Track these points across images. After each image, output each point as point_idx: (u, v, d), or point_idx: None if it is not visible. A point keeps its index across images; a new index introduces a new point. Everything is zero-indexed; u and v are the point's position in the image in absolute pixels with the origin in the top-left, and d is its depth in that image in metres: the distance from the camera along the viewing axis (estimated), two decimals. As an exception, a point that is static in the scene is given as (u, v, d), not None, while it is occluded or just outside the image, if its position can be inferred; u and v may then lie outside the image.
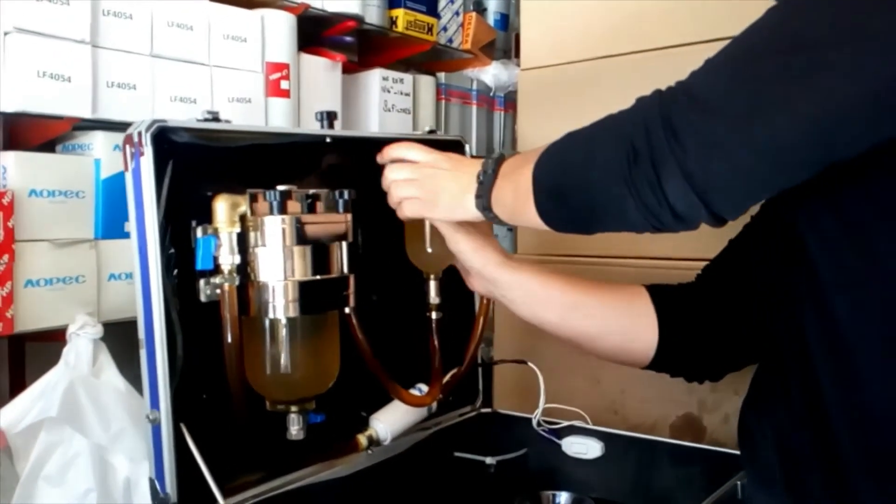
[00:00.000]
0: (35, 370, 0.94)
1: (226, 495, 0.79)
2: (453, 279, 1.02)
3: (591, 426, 1.10)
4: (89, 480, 0.87)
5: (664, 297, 0.90)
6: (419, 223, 0.96)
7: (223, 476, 0.80)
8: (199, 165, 0.81)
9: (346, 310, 0.85)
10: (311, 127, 1.00)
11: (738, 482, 0.90)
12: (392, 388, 0.93)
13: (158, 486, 0.78)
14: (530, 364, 1.11)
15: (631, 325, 0.89)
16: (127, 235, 0.82)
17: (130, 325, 0.81)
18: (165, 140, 0.77)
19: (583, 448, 1.07)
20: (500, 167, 0.80)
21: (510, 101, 1.69)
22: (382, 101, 1.37)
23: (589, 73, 1.32)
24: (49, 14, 0.89)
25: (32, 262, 0.89)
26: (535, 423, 1.09)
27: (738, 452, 0.99)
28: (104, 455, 0.87)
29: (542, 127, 1.40)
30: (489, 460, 1.10)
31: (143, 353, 0.79)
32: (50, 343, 0.91)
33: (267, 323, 0.81)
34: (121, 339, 0.94)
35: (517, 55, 1.57)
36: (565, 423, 1.09)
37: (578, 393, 1.23)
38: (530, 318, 0.93)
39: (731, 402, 1.16)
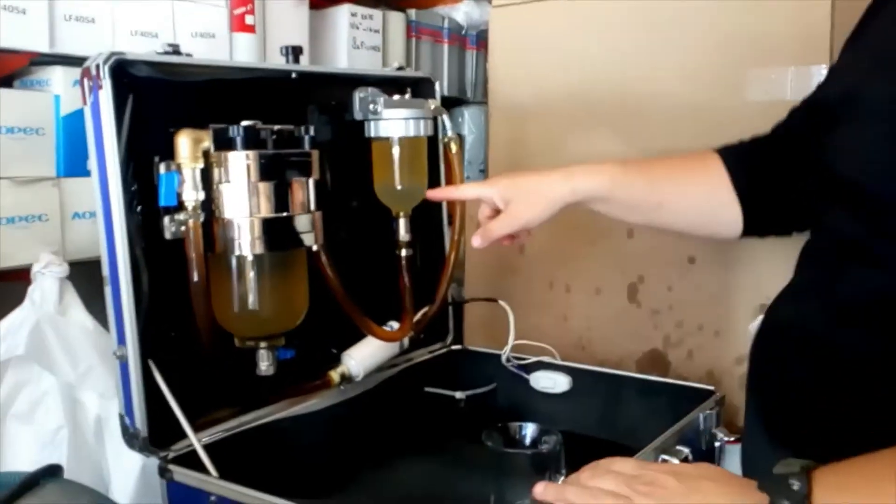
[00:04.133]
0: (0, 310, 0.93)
1: (196, 430, 0.80)
2: (423, 216, 1.02)
3: (558, 361, 1.11)
4: (59, 418, 0.87)
5: (740, 166, 0.83)
6: (387, 157, 0.95)
7: (193, 412, 0.80)
8: (160, 100, 0.79)
9: (315, 247, 0.85)
10: (277, 61, 0.98)
11: (701, 414, 0.92)
12: (364, 324, 0.93)
13: (128, 422, 0.79)
14: (500, 302, 1.12)
15: (714, 212, 0.84)
16: (89, 174, 0.80)
17: (96, 264, 0.80)
18: (124, 74, 0.75)
19: (550, 383, 1.08)
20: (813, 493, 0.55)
21: (482, 39, 1.66)
22: (351, 38, 1.34)
23: (561, 11, 1.30)
24: (3, -55, 0.86)
25: (-6, 200, 0.88)
26: (504, 359, 1.10)
27: (700, 386, 1.01)
28: (73, 393, 0.87)
29: (514, 66, 1.39)
30: (459, 395, 1.11)
31: (108, 290, 0.78)
32: (14, 282, 0.90)
33: (233, 260, 0.80)
34: (87, 278, 0.93)
35: (489, -8, 1.54)
36: (534, 359, 1.10)
37: (547, 330, 1.24)
38: (615, 218, 0.90)
39: (695, 338, 1.18)
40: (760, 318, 0.82)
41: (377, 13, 1.40)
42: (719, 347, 1.16)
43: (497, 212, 0.90)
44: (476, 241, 0.90)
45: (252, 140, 0.78)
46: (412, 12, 1.53)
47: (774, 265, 1.06)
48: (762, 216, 0.84)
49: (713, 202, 0.84)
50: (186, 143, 0.78)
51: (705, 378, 1.15)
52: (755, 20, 1.12)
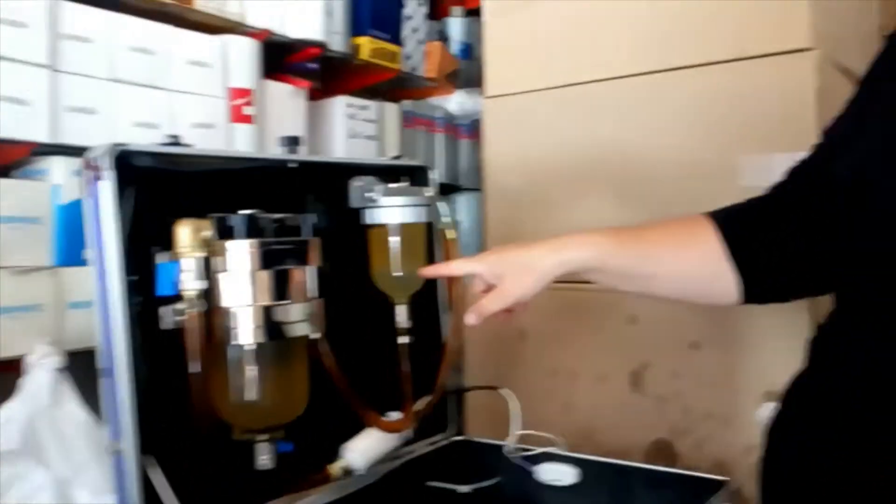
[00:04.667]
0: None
1: (192, 529, 0.78)
2: (422, 303, 1.02)
3: (564, 452, 1.09)
4: (50, 516, 0.85)
5: (736, 231, 0.83)
6: (384, 244, 0.96)
7: (189, 509, 0.79)
8: (160, 190, 0.80)
9: (315, 336, 0.85)
10: (275, 151, 1.00)
11: (713, 505, 0.91)
12: (367, 415, 0.92)
13: (122, 521, 0.77)
14: (502, 391, 1.11)
15: (710, 280, 0.84)
16: (87, 263, 0.81)
17: (92, 354, 0.80)
18: (126, 164, 0.77)
19: (557, 475, 1.06)
20: None
21: (474, 129, 1.71)
22: (348, 128, 1.38)
23: (553, 101, 1.34)
24: (6, 37, 0.88)
25: (-10, 291, 0.88)
26: (507, 450, 1.09)
27: (711, 477, 0.99)
28: (66, 489, 0.85)
29: (508, 153, 1.42)
30: (462, 489, 1.09)
31: (104, 382, 0.78)
32: (8, 373, 0.89)
33: (232, 350, 0.80)
34: (83, 369, 0.92)
35: (480, 84, 1.59)
36: (539, 450, 1.09)
37: (552, 418, 1.23)
38: (609, 287, 0.91)
39: (704, 427, 1.17)
40: (769, 405, 0.81)
41: (373, 104, 1.44)
42: (728, 436, 1.15)
43: (490, 288, 0.92)
44: (470, 318, 0.91)
45: (252, 229, 0.79)
46: (407, 103, 1.58)
47: (779, 348, 1.07)
48: (762, 283, 0.83)
49: (707, 271, 0.84)
50: (187, 232, 0.79)
51: (715, 469, 1.13)
52: (745, 104, 1.15)
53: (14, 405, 0.83)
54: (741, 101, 1.15)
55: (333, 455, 0.98)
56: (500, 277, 0.91)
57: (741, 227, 0.83)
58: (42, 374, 0.85)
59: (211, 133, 1.09)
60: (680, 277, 0.87)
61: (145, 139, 0.98)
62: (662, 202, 1.21)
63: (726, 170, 1.15)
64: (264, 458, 0.83)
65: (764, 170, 1.11)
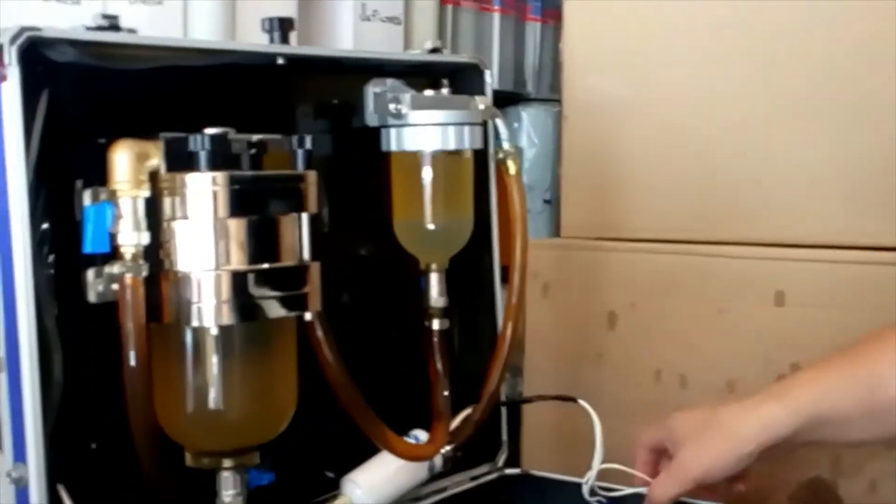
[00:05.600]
0: None
1: (126, 591, 0.80)
2: (464, 271, 1.03)
3: (670, 495, 1.11)
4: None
5: None
6: (413, 181, 0.96)
7: (122, 563, 0.81)
8: (88, 97, 0.81)
9: (308, 315, 0.86)
10: (254, 41, 1.00)
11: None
12: (377, 433, 0.93)
13: (25, 577, 0.79)
14: (581, 402, 1.12)
15: None
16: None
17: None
18: (39, 57, 0.77)
19: (657, 528, 1.07)
20: None
21: (551, 6, 1.69)
22: (359, 5, 1.37)
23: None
24: None
25: None
26: (586, 490, 1.10)
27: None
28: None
29: (599, 46, 1.41)
30: (518, 547, 1.11)
31: (2, 378, 0.79)
32: None
33: (189, 335, 0.81)
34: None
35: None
36: (630, 491, 1.10)
37: (642, 428, 1.24)
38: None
39: (882, 461, 1.17)
40: None
41: (397, -31, 1.43)
42: (917, 476, 1.15)
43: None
44: None
45: (221, 156, 0.80)
46: (447, -34, 1.57)
47: None
48: None
49: None
50: (125, 160, 0.79)
51: (897, 523, 1.15)
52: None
53: None
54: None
55: (329, 489, 0.99)
56: (679, 445, 1.01)
57: None
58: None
59: (159, 11, 1.09)
60: None
61: (66, 21, 0.98)
62: (839, 120, 1.25)
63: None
64: (230, 494, 0.84)
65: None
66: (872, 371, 0.97)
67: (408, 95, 0.98)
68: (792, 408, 0.97)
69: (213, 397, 0.82)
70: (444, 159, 0.99)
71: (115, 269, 0.79)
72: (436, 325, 1.02)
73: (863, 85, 1.22)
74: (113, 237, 0.79)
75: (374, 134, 0.99)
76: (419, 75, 1.06)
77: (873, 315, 1.14)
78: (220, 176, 0.79)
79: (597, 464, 1.09)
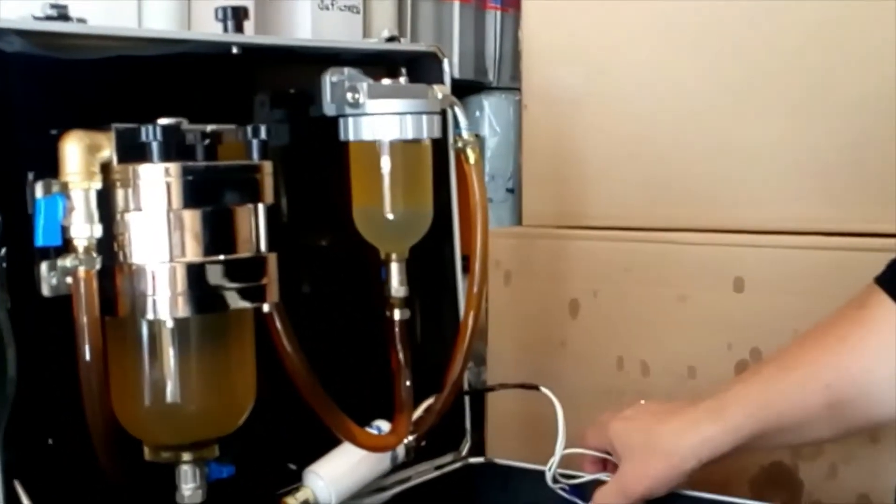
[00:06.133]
0: None
1: (84, 587, 0.80)
2: (425, 260, 1.03)
3: (633, 481, 1.11)
4: None
5: None
6: (372, 171, 0.96)
7: (80, 559, 0.80)
8: (39, 88, 0.80)
9: (266, 307, 0.85)
10: (209, 30, 0.99)
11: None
12: (338, 425, 0.93)
13: (-20, 575, 0.78)
14: (543, 389, 1.12)
15: None
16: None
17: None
18: (-14, 47, 0.76)
19: (621, 514, 1.08)
20: None
21: (510, -6, 1.69)
22: (317, -7, 1.37)
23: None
24: None
25: None
26: (549, 477, 1.10)
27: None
28: None
29: (559, 35, 1.41)
30: (482, 536, 1.11)
31: (-45, 374, 0.78)
32: None
33: (145, 328, 0.81)
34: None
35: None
36: (591, 477, 1.10)
37: (587, 428, 1.24)
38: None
39: (839, 444, 1.17)
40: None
41: (355, -43, 1.43)
42: (876, 459, 1.16)
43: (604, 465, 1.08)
44: None
45: (174, 147, 0.79)
46: (406, -46, 1.56)
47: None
48: None
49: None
50: (76, 152, 0.78)
51: (856, 505, 1.15)
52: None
53: None
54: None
55: (291, 481, 0.99)
56: (620, 457, 1.03)
57: None
58: None
59: (115, 5, 1.08)
60: (872, 391, 0.94)
61: (15, 10, 0.97)
62: (795, 106, 1.25)
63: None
64: (190, 487, 0.83)
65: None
66: (805, 374, 0.97)
67: (365, 84, 0.97)
68: (731, 426, 0.98)
69: (171, 390, 0.82)
70: (403, 148, 0.98)
71: (67, 262, 0.78)
72: (397, 314, 1.01)
73: (819, 71, 1.23)
74: (65, 230, 0.78)
75: (332, 123, 0.99)
76: (377, 64, 1.05)
77: (831, 301, 1.14)
78: (174, 167, 0.79)
79: (559, 451, 1.09)
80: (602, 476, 1.09)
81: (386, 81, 1.00)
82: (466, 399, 1.17)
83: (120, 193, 0.79)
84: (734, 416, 0.98)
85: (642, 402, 1.08)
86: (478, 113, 1.72)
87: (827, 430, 0.98)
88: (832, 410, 0.95)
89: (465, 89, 1.70)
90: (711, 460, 0.99)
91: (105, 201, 0.79)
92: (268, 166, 0.85)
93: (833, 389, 0.94)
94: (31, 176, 0.79)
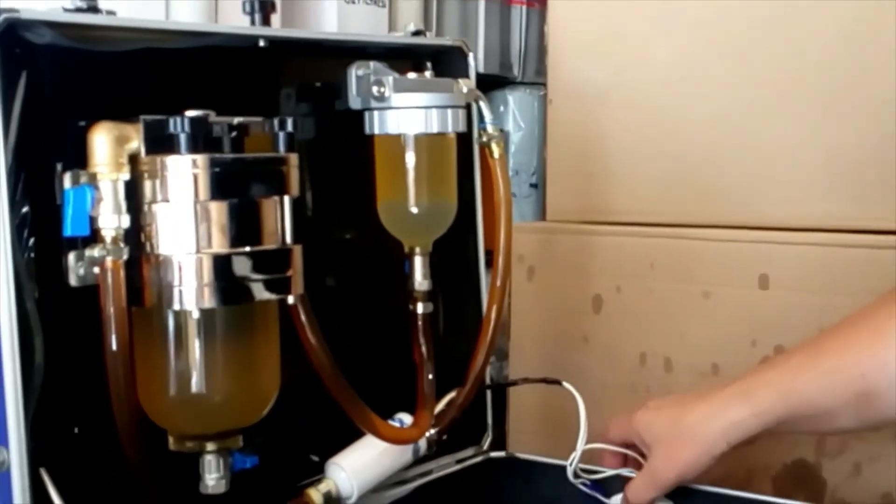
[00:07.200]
0: None
1: (108, 574, 0.80)
2: (449, 254, 1.03)
3: (654, 478, 1.11)
4: None
5: None
6: (397, 164, 0.97)
7: (105, 547, 0.81)
8: (68, 79, 0.81)
9: (291, 299, 0.86)
10: (236, 23, 1.00)
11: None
12: (361, 417, 0.93)
13: (7, 561, 0.79)
14: (566, 385, 1.12)
15: None
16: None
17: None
18: (17, 40, 0.76)
19: (643, 510, 1.08)
20: None
21: (535, -11, 1.69)
22: (343, -13, 1.37)
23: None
24: None
25: None
26: (570, 472, 1.10)
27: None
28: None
29: (584, 30, 1.41)
30: (503, 529, 1.11)
31: (-17, 362, 0.79)
32: None
33: (171, 318, 0.81)
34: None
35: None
36: (613, 472, 1.10)
37: (609, 420, 1.24)
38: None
39: (864, 443, 1.17)
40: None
41: (381, -50, 1.43)
42: (903, 457, 1.16)
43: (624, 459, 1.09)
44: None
45: (202, 138, 0.80)
46: (431, -52, 1.57)
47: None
48: None
49: None
50: (105, 143, 0.79)
51: (881, 504, 1.15)
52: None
53: None
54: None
55: (313, 473, 0.99)
56: (648, 447, 1.04)
57: None
58: None
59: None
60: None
61: (45, 3, 0.97)
62: (821, 106, 1.24)
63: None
64: (213, 477, 0.84)
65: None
66: (836, 364, 0.97)
67: (391, 78, 0.98)
68: (759, 409, 0.98)
69: (196, 380, 0.82)
70: (428, 142, 0.99)
71: (95, 252, 0.79)
72: (420, 308, 1.02)
73: (844, 72, 1.22)
74: (93, 220, 0.79)
75: (358, 117, 0.99)
76: (403, 58, 1.06)
77: (856, 298, 1.14)
78: (201, 158, 0.79)
79: (581, 446, 1.09)
80: (624, 471, 1.10)
81: (411, 75, 1.00)
82: (488, 393, 1.17)
83: (147, 184, 0.80)
84: (763, 399, 0.98)
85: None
86: (502, 108, 1.72)
87: (854, 420, 0.98)
88: (862, 400, 0.95)
89: (490, 84, 1.70)
90: (742, 442, 0.99)
91: (133, 192, 0.80)
92: (294, 159, 0.85)
93: (867, 379, 0.94)
94: (59, 167, 0.79)
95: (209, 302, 0.80)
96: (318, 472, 0.99)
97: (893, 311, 0.95)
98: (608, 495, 1.09)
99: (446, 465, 1.13)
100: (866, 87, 1.21)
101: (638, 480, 1.04)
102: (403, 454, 1.04)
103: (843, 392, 0.96)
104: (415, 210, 0.99)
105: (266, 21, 0.96)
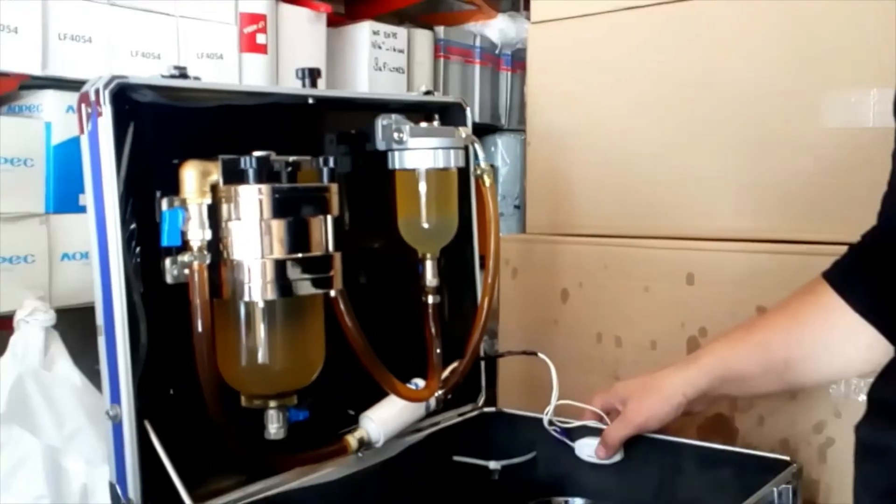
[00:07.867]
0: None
1: (197, 501, 0.80)
2: (452, 258, 1.03)
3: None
4: (41, 486, 0.87)
5: (856, 285, 0.91)
6: (413, 191, 0.97)
7: (193, 480, 0.81)
8: (164, 128, 0.81)
9: (332, 293, 0.86)
10: (291, 85, 1.00)
11: (775, 488, 0.91)
12: (386, 381, 0.93)
13: (120, 491, 0.79)
14: (541, 355, 1.12)
15: (847, 348, 0.94)
16: (82, 210, 0.82)
17: (85, 311, 0.82)
18: (126, 99, 0.77)
19: (600, 451, 1.07)
20: None
21: (518, 59, 1.69)
22: (373, 59, 1.37)
23: (608, 26, 1.33)
24: (-9, -43, 0.89)
25: (-25, 239, 0.89)
26: (545, 421, 1.10)
27: (773, 456, 1.00)
28: (57, 457, 0.88)
29: (555, 89, 1.41)
30: (493, 465, 1.10)
31: (101, 341, 0.79)
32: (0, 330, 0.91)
33: (242, 307, 0.82)
34: (75, 327, 0.94)
35: (526, 7, 1.57)
36: (579, 423, 1.10)
37: (595, 389, 1.24)
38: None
39: (767, 401, 1.16)
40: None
41: (401, 31, 1.42)
42: (795, 412, 1.15)
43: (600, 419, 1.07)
44: (600, 452, 1.05)
45: (265, 172, 0.80)
46: (440, 30, 1.56)
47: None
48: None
49: (841, 338, 0.93)
50: (192, 176, 0.79)
51: (779, 447, 1.14)
52: (831, 34, 1.14)
53: (1, 366, 0.84)
54: (828, 29, 1.14)
55: (350, 423, 0.99)
56: (625, 402, 1.04)
57: (861, 277, 0.91)
58: (31, 333, 0.86)
59: (219, 64, 1.09)
60: (816, 354, 0.96)
61: (146, 71, 0.98)
62: (736, 146, 1.23)
63: (807, 108, 1.16)
64: (275, 426, 0.84)
65: (851, 108, 1.11)
66: (763, 338, 0.99)
67: (408, 126, 0.98)
68: (704, 369, 1.00)
69: (261, 354, 0.82)
70: (436, 175, 0.99)
71: (185, 258, 0.79)
72: (430, 299, 1.02)
73: (757, 120, 1.21)
74: (184, 234, 0.80)
75: (382, 156, 0.99)
76: (417, 111, 1.05)
77: (762, 292, 1.15)
78: (265, 187, 0.80)
79: (553, 402, 1.09)
80: (587, 423, 1.09)
81: (423, 124, 1.00)
82: (482, 363, 1.17)
83: (225, 207, 0.80)
84: (707, 362, 1.01)
85: None
86: (493, 148, 1.72)
87: (777, 383, 1.01)
88: (783, 367, 0.97)
89: (483, 130, 1.70)
90: (693, 397, 1.01)
91: (213, 213, 0.80)
92: (334, 188, 0.85)
93: (787, 352, 0.97)
94: (158, 194, 0.80)
95: (271, 295, 0.81)
96: (353, 423, 0.99)
97: (805, 300, 0.96)
98: (573, 440, 1.09)
99: (450, 418, 1.13)
100: (769, 128, 1.21)
101: (613, 425, 1.04)
102: (418, 409, 1.04)
103: (770, 360, 0.98)
104: (426, 225, 0.99)
105: (314, 84, 0.96)
